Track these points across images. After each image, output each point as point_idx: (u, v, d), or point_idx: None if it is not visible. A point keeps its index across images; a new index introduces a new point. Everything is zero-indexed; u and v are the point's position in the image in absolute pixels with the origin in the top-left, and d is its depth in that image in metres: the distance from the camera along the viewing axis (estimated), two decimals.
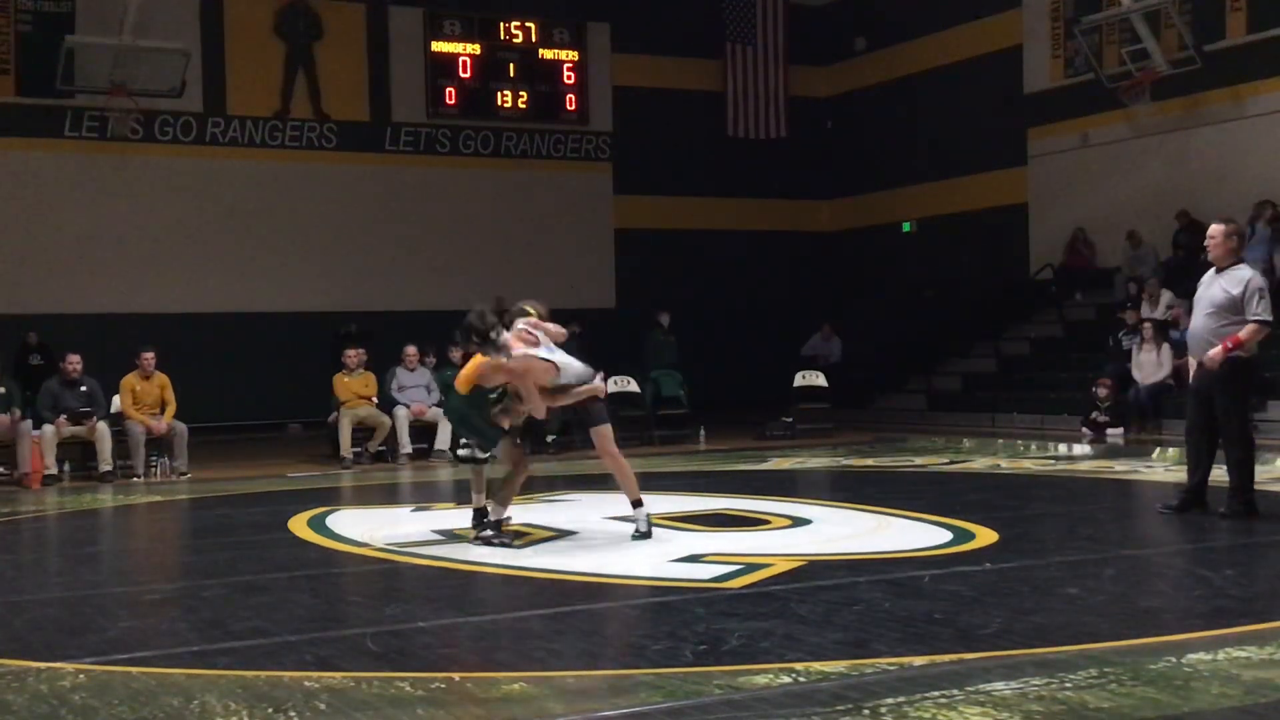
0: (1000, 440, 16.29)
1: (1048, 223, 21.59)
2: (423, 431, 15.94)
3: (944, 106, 22.99)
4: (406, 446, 15.47)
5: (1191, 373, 8.75)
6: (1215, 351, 8.23)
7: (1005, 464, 13.42)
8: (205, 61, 20.36)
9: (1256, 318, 8.21)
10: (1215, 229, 8.57)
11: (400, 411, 15.74)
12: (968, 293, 22.20)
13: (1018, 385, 19.45)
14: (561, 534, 8.81)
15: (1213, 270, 8.59)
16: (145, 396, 14.70)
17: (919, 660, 4.98)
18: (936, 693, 4.49)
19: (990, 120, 22.25)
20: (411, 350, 16.19)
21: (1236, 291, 8.27)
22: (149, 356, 14.79)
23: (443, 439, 15.87)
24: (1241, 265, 8.48)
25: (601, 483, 13.31)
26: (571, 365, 8.22)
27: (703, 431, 17.47)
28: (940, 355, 21.60)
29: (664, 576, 7.05)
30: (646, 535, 8.19)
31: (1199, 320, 8.50)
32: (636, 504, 8.33)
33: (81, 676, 5.11)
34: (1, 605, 6.88)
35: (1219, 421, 8.43)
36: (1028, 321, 21.09)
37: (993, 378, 20.27)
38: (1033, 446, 15.52)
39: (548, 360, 8.03)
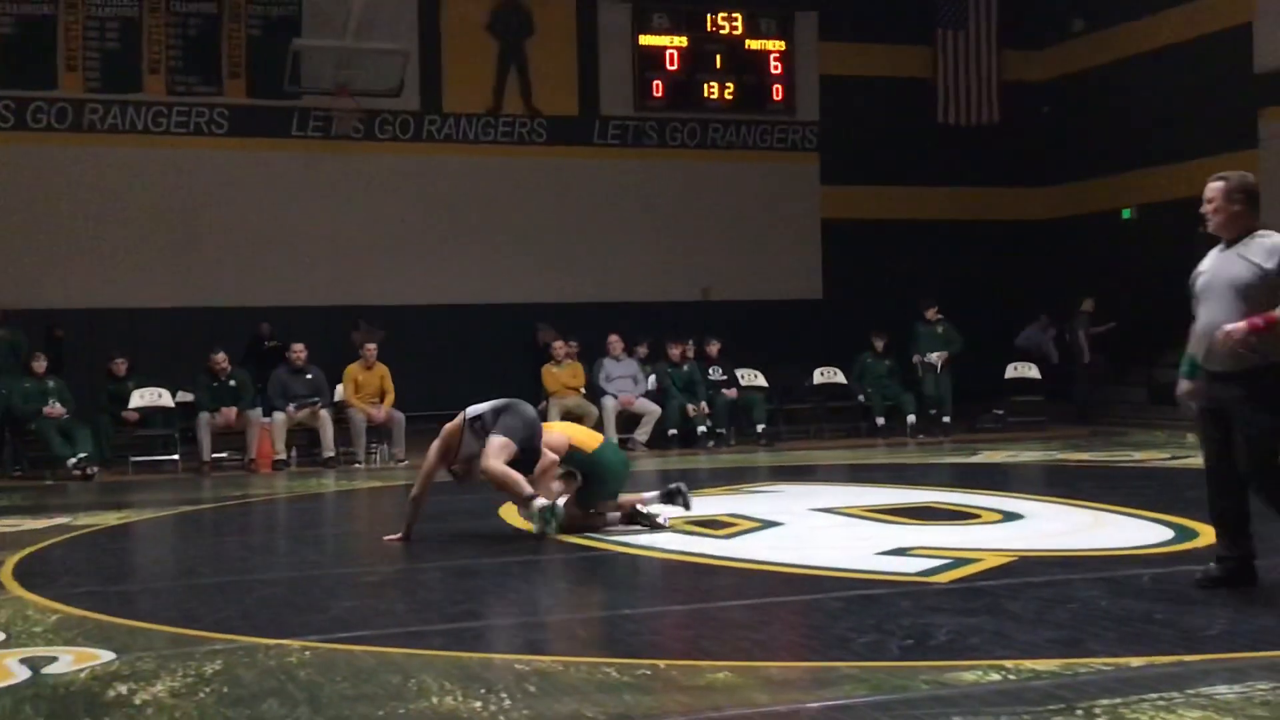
0: None
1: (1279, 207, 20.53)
2: (629, 421, 16.13)
3: (1167, 88, 22.08)
4: (613, 436, 15.67)
5: (1188, 392, 6.20)
6: (1235, 326, 5.71)
7: None
8: (422, 61, 20.94)
9: None
10: (1213, 186, 6.04)
11: (608, 402, 15.96)
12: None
13: None
14: (766, 524, 8.81)
15: (1220, 246, 6.09)
16: (366, 386, 15.30)
17: (1136, 661, 4.83)
18: (1154, 694, 4.35)
19: (1217, 101, 21.28)
20: (614, 338, 16.36)
21: (1270, 265, 5.79)
22: (372, 348, 15.40)
23: (645, 429, 16.06)
24: (1265, 231, 5.95)
25: (806, 475, 13.27)
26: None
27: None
28: (1162, 347, 20.78)
29: (870, 569, 6.98)
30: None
31: (1214, 310, 5.91)
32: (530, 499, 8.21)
33: (307, 653, 5.33)
34: (234, 584, 7.25)
35: (1238, 454, 5.91)
36: None
37: None
38: None
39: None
